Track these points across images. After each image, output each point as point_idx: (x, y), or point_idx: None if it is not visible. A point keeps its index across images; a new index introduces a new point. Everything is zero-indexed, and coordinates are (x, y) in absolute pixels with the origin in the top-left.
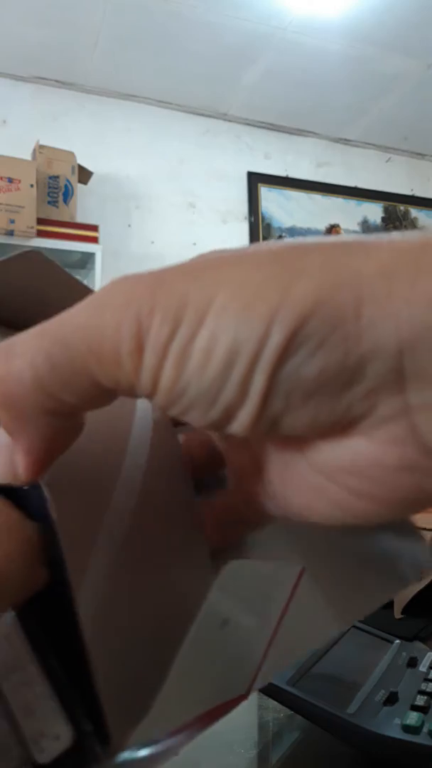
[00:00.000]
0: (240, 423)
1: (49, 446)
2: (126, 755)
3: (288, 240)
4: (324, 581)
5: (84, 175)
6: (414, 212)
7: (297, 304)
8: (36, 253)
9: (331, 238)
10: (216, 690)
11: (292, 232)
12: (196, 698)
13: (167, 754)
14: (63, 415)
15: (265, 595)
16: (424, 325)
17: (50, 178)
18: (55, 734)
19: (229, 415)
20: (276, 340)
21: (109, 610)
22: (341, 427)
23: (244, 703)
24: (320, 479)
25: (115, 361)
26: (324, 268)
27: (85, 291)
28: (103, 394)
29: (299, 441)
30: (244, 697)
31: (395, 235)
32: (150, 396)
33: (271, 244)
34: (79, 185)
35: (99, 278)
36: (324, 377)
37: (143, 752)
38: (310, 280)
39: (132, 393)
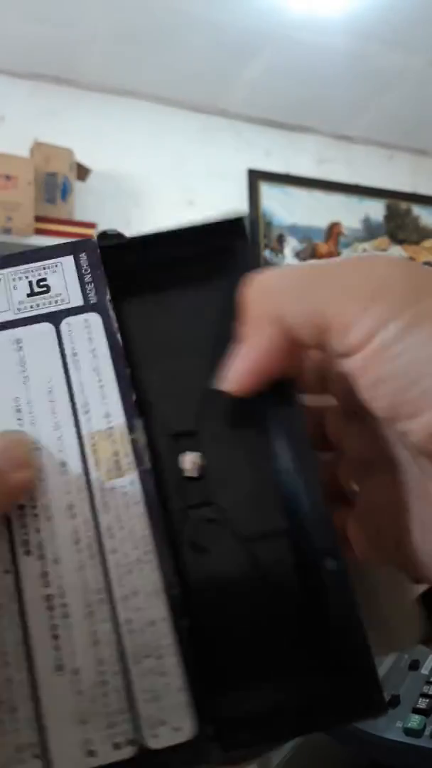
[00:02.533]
0: None
1: (264, 360)
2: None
3: None
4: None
5: (82, 172)
6: (416, 210)
7: None
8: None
9: None
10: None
11: (293, 230)
12: None
13: None
14: (286, 340)
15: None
16: None
17: (48, 175)
18: (176, 726)
19: None
20: None
21: None
22: None
23: None
24: None
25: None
26: None
27: None
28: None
29: None
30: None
31: None
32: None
33: None
34: (78, 182)
35: None
36: None
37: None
38: None
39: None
